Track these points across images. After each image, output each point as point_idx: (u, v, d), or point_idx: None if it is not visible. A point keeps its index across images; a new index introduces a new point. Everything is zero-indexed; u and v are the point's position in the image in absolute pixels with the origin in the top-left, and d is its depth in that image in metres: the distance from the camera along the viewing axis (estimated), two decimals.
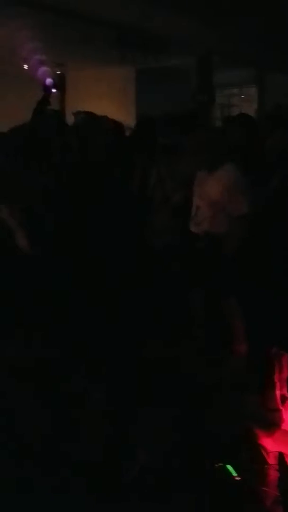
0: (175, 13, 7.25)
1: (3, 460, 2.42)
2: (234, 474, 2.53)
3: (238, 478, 2.52)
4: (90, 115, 4.15)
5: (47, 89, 4.66)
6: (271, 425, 2.62)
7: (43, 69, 7.20)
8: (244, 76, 11.44)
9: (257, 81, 11.52)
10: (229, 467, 2.54)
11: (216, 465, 2.53)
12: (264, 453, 2.60)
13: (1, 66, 7.46)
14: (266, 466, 2.58)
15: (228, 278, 3.33)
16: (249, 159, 3.74)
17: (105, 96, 9.08)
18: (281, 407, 2.62)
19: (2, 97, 6.64)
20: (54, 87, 4.73)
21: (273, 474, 2.56)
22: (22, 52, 7.91)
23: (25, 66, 8.58)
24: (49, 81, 4.72)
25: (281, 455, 2.60)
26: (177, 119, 4.10)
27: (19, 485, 2.32)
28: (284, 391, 2.62)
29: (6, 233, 2.48)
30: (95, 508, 2.32)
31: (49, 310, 2.61)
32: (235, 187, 3.51)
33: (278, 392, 2.62)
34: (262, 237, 3.50)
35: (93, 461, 2.45)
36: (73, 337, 2.58)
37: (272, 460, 2.59)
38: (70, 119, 6.59)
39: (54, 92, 4.81)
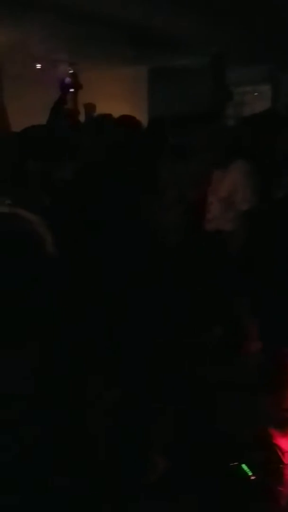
0: (187, 12, 7.25)
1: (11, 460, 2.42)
2: (249, 473, 2.53)
3: (253, 478, 2.51)
4: (104, 116, 4.16)
5: (64, 88, 4.67)
6: (286, 425, 2.61)
7: (60, 69, 7.22)
8: (257, 74, 11.39)
9: (271, 79, 11.46)
10: (244, 466, 2.54)
11: (231, 464, 2.53)
12: (280, 453, 2.59)
13: (13, 67, 7.49)
14: (281, 465, 2.57)
15: (236, 276, 3.34)
16: (260, 157, 3.75)
17: (117, 96, 9.09)
18: None
19: (14, 98, 6.67)
20: (71, 87, 4.74)
21: None
22: (36, 53, 7.95)
23: (38, 66, 8.63)
24: (67, 80, 4.74)
25: None
26: (189, 118, 4.11)
27: (30, 486, 2.33)
28: None
29: (35, 237, 2.47)
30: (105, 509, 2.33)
31: (64, 310, 2.61)
32: (243, 182, 3.54)
33: None
34: (269, 235, 3.52)
35: (103, 461, 2.46)
36: (85, 336, 2.59)
37: (287, 460, 2.59)
38: (82, 118, 6.64)
39: (71, 92, 4.81)
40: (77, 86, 5.23)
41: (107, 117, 4.16)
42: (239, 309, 3.33)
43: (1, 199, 2.50)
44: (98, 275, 2.84)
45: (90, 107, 6.93)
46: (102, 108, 6.29)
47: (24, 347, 2.20)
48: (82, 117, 6.64)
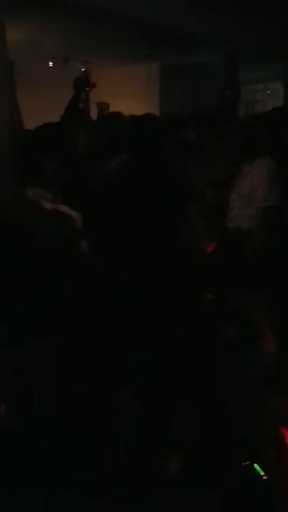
0: (199, 10, 7.23)
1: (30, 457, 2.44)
2: (261, 473, 2.51)
3: (265, 477, 2.50)
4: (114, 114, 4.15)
5: (78, 86, 4.64)
6: None
7: (72, 67, 7.22)
8: (269, 71, 11.33)
9: (283, 76, 11.39)
10: (256, 466, 2.53)
11: (243, 464, 2.52)
12: None
13: (26, 65, 7.51)
14: None
15: (251, 274, 3.31)
16: (280, 154, 3.72)
17: (129, 94, 9.08)
18: None
19: (27, 96, 6.70)
20: (85, 85, 4.71)
21: None
22: (48, 51, 7.96)
23: (50, 64, 8.64)
24: (81, 78, 4.72)
25: None
26: (203, 116, 4.08)
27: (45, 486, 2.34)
28: None
29: (75, 234, 2.44)
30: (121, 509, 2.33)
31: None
32: (265, 179, 3.51)
33: None
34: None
35: (119, 461, 2.46)
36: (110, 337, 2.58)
37: None
38: (94, 116, 6.64)
39: (86, 90, 4.80)
40: (91, 84, 5.20)
41: (119, 115, 4.15)
42: (254, 308, 3.31)
43: (45, 194, 2.46)
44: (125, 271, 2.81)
45: (103, 106, 6.91)
46: (115, 106, 6.28)
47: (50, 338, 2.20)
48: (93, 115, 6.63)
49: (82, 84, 4.68)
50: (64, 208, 2.41)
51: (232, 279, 3.31)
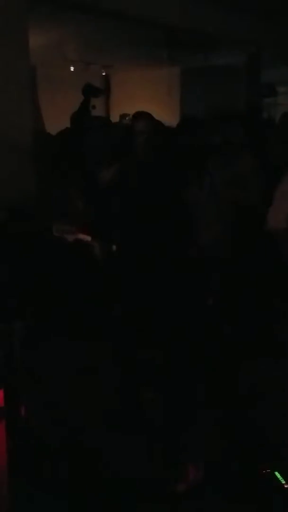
0: (220, 12, 7.20)
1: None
2: (283, 481, 2.48)
3: (286, 486, 2.47)
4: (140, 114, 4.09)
5: (87, 93, 4.59)
6: None
7: (92, 71, 7.21)
8: None
9: None
10: (277, 473, 2.50)
11: (265, 471, 2.49)
12: None
13: (48, 69, 7.56)
14: None
15: (281, 280, 3.24)
16: None
17: (150, 96, 9.07)
18: None
19: (50, 101, 6.74)
20: (94, 91, 4.59)
21: None
22: (70, 55, 7.99)
23: (72, 68, 8.69)
24: (90, 85, 4.66)
25: None
26: (229, 118, 4.01)
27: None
28: None
29: (93, 256, 2.71)
30: None
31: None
32: None
33: None
34: None
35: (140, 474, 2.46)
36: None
37: None
38: (113, 120, 6.65)
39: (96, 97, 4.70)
40: (98, 90, 4.98)
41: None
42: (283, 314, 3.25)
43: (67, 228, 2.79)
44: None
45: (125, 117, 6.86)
46: (135, 109, 6.27)
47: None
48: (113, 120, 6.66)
49: (92, 91, 4.61)
50: (82, 236, 2.80)
51: (260, 284, 3.25)
